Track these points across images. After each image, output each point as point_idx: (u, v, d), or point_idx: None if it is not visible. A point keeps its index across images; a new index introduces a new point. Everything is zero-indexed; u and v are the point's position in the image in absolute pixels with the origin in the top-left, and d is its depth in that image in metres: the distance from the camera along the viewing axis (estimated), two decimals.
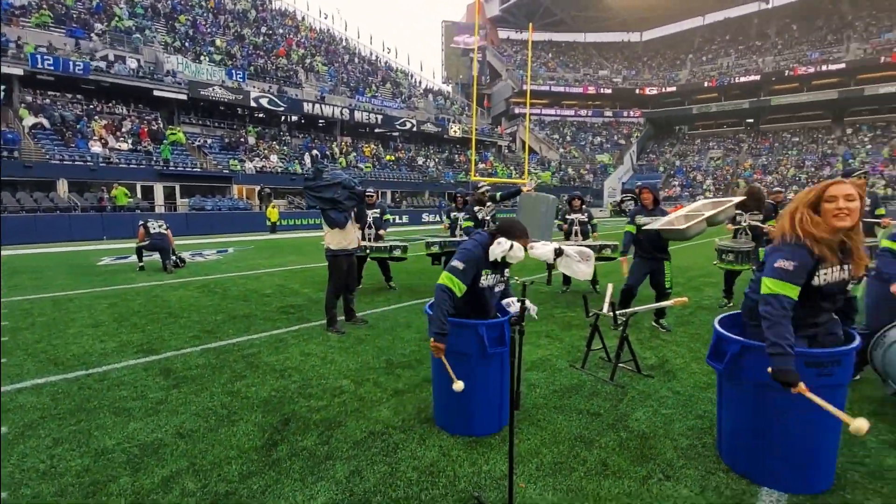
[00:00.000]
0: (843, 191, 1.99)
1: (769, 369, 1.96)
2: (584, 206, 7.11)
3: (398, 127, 33.24)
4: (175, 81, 23.50)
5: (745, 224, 5.97)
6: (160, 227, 9.27)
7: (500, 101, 47.50)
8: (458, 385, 2.21)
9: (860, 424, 1.68)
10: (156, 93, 22.74)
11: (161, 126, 23.10)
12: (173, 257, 9.26)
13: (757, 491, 2.20)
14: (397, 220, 25.36)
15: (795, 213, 2.08)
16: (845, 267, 2.09)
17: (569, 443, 2.64)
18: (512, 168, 36.07)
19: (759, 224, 5.61)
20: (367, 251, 6.79)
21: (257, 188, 22.71)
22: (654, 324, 4.86)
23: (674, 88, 45.84)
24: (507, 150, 41.26)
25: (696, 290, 7.01)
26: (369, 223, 6.93)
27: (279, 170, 24.62)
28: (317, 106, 28.65)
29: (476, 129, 34.63)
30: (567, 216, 7.05)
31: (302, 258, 11.18)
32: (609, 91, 47.70)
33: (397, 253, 6.96)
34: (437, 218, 25.58)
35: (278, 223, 20.02)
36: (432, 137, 36.16)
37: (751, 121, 43.69)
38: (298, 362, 3.95)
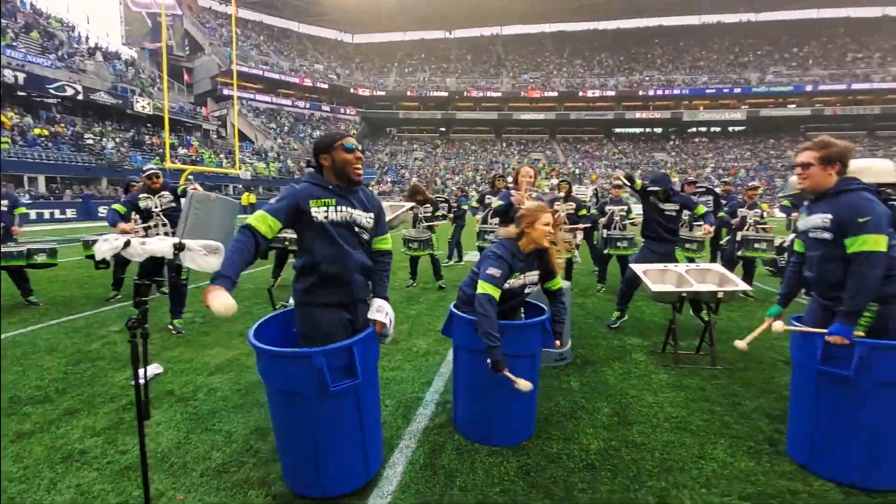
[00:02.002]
0: (551, 220, 2.56)
1: (488, 360, 2.32)
2: None
3: (54, 92, 25.39)
4: None
5: (422, 215, 7.14)
6: None
7: (205, 79, 42.12)
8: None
9: (522, 385, 2.26)
10: None
11: None
12: None
13: (402, 434, 2.68)
14: (58, 216, 19.52)
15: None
16: (528, 275, 2.65)
17: (242, 440, 2.61)
18: (222, 156, 32.68)
19: (431, 215, 6.90)
20: None
21: None
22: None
23: (383, 93, 50.43)
24: (215, 136, 37.09)
25: (391, 273, 7.98)
26: None
27: None
28: None
29: (172, 107, 29.83)
30: None
31: None
32: (326, 86, 48.67)
33: (40, 258, 5.38)
34: None
35: None
36: (110, 111, 29.15)
37: (443, 129, 52.24)
38: None
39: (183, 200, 4.41)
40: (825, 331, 2.19)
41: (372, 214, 2.25)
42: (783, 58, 47.08)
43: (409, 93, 49.89)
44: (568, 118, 47.56)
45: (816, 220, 2.28)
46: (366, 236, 2.23)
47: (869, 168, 3.01)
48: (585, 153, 46.78)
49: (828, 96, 43.12)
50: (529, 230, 2.55)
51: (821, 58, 46.07)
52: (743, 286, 3.68)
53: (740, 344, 2.44)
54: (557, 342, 2.63)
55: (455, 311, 2.65)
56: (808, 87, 42.86)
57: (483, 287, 2.46)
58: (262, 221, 1.97)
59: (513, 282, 2.57)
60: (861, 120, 42.49)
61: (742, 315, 5.39)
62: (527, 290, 2.69)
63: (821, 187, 2.28)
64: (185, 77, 39.98)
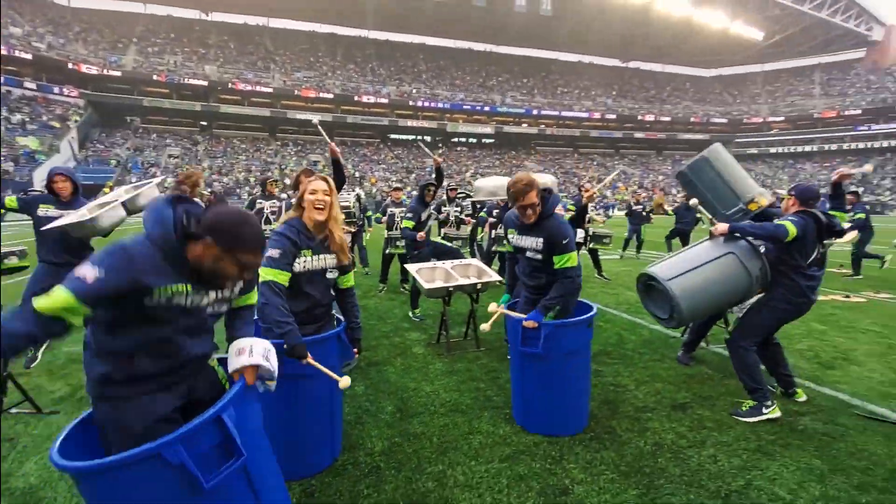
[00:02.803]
0: (321, 186, 2.26)
1: (284, 346, 2.00)
2: None
3: None
4: None
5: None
6: None
7: None
8: None
9: (344, 382, 1.99)
10: None
11: None
12: None
13: None
14: None
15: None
16: (326, 257, 2.34)
17: None
18: None
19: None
20: None
21: None
22: None
23: (119, 73, 41.42)
24: None
25: None
26: None
27: None
28: None
29: None
30: None
31: None
32: (28, 56, 37.17)
33: None
34: None
35: None
36: None
37: (204, 124, 46.10)
38: None
39: None
40: (524, 316, 2.72)
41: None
42: (517, 85, 57.59)
43: (156, 77, 42.30)
44: (345, 121, 47.96)
45: (531, 244, 2.78)
46: (224, 308, 1.64)
47: (544, 183, 3.87)
48: (364, 157, 48.05)
49: (548, 120, 54.64)
50: (302, 201, 2.31)
51: (542, 88, 58.12)
52: (496, 277, 4.31)
53: (485, 326, 2.83)
54: (356, 350, 2.46)
55: None
56: (535, 112, 53.54)
57: (263, 273, 2.15)
58: (70, 310, 1.28)
59: (308, 262, 2.29)
60: (569, 140, 55.37)
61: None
62: (329, 276, 2.42)
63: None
64: None
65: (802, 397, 3.20)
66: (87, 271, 1.30)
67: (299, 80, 48.15)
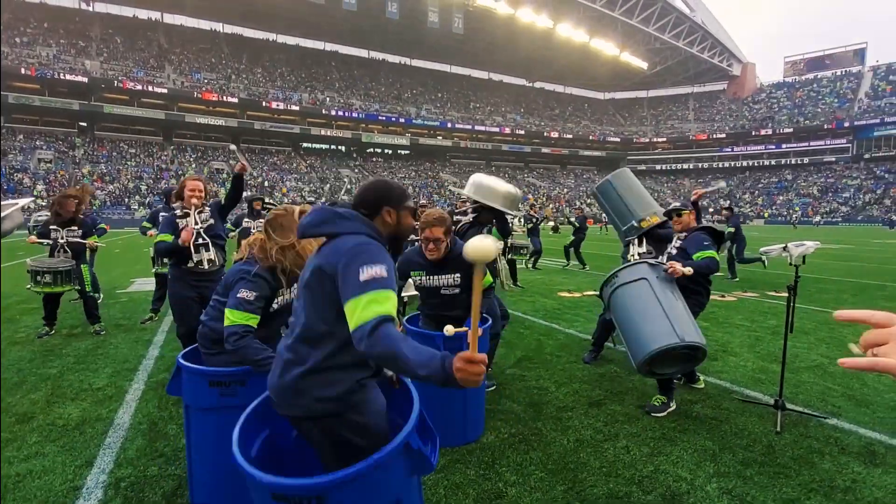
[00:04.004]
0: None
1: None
2: None
3: None
4: None
5: (62, 241, 5.39)
6: None
7: None
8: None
9: None
10: None
11: None
12: None
13: None
14: None
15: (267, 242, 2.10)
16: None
17: None
18: None
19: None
20: None
21: None
22: None
23: None
24: None
25: (12, 321, 5.73)
26: None
27: None
28: None
29: None
30: None
31: None
32: None
33: None
34: None
35: None
36: None
37: (84, 125, 41.06)
38: None
39: None
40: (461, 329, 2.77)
41: None
42: (431, 99, 58.74)
43: (24, 70, 36.94)
44: (252, 127, 45.50)
45: (447, 281, 2.84)
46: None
47: (512, 194, 3.90)
48: (274, 165, 45.89)
49: (461, 133, 56.33)
50: (305, 242, 2.02)
51: (455, 103, 59.85)
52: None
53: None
54: None
55: (183, 361, 2.08)
56: (449, 125, 54.93)
57: (232, 316, 1.98)
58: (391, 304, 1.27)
59: (286, 298, 2.16)
60: (483, 153, 57.50)
61: None
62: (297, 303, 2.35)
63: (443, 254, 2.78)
64: None
65: (702, 384, 3.66)
66: (377, 270, 1.28)
67: (199, 81, 44.88)
